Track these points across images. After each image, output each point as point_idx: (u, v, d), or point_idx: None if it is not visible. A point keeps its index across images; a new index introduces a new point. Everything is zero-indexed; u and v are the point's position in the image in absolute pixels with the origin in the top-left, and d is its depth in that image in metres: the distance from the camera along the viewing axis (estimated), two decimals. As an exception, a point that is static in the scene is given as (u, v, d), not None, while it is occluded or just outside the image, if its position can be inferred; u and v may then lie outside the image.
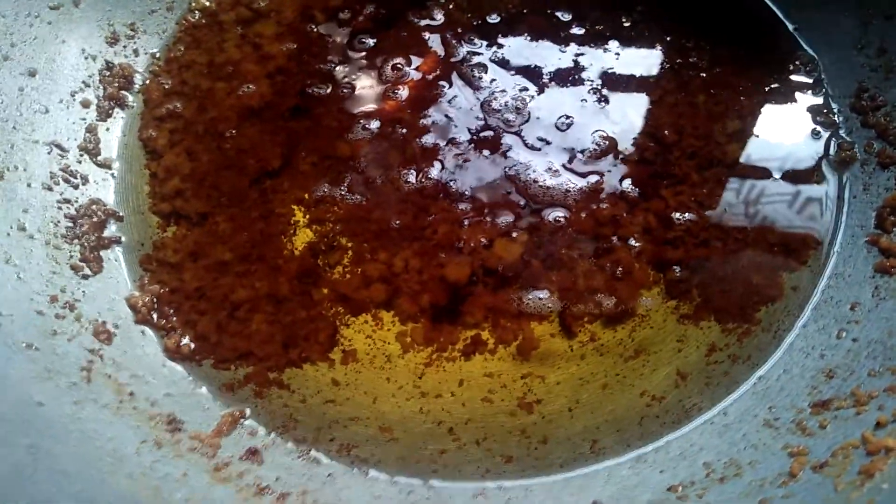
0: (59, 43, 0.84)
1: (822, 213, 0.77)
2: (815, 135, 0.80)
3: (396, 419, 0.73)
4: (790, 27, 0.85)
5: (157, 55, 0.90)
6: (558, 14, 0.88)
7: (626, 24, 0.87)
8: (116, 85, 0.87)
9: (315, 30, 0.91)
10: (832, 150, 0.80)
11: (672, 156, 0.81)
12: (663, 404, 0.72)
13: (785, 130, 0.81)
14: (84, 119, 0.85)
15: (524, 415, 0.73)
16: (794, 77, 0.83)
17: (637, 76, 0.85)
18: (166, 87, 0.89)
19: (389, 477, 0.70)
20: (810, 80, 0.83)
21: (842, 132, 0.80)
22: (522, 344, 0.76)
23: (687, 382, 0.72)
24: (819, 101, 0.82)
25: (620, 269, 0.77)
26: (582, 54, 0.86)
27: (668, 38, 0.86)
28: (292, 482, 0.67)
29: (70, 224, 0.78)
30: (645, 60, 0.86)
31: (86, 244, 0.78)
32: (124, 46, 0.89)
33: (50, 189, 0.79)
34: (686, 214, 0.78)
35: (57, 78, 0.83)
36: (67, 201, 0.79)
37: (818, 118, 0.81)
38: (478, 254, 0.79)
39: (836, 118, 0.80)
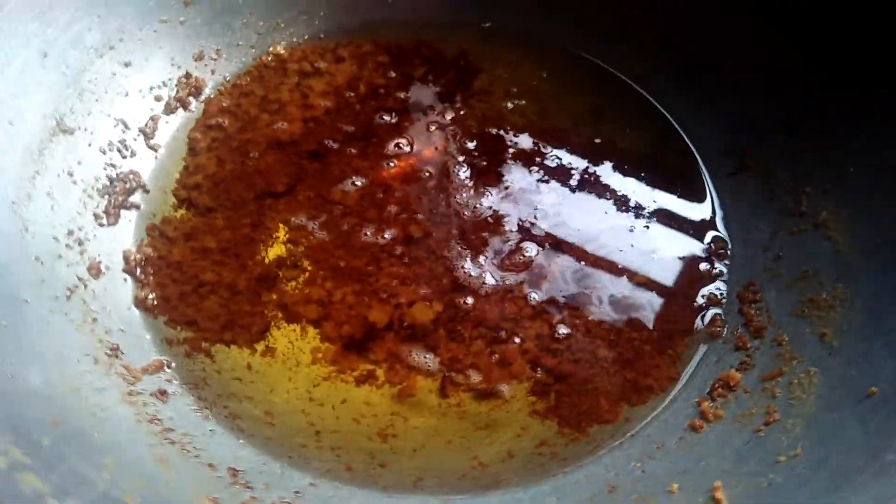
0: (156, 48, 1.07)
1: (675, 369, 0.90)
2: (699, 305, 0.94)
3: (280, 410, 0.90)
4: (719, 215, 1.00)
5: (228, 78, 1.13)
6: (545, 151, 1.06)
7: (587, 176, 1.04)
8: (187, 91, 1.10)
9: (353, 98, 1.12)
10: (706, 321, 0.93)
11: (581, 284, 0.96)
12: (484, 471, 0.86)
13: (678, 292, 0.95)
14: (152, 109, 1.07)
15: (378, 442, 0.89)
16: (704, 252, 0.98)
17: (578, 215, 1.02)
18: (224, 104, 1.11)
19: (254, 450, 0.86)
20: (717, 259, 0.97)
21: (720, 311, 0.93)
22: (403, 389, 0.91)
23: (511, 461, 0.86)
24: (714, 280, 0.96)
25: (504, 358, 0.92)
26: (545, 183, 1.04)
27: (615, 196, 1.03)
28: (180, 424, 0.85)
29: (108, 183, 1.00)
30: (591, 208, 1.03)
31: (112, 201, 0.99)
32: (205, 65, 1.12)
33: (104, 153, 1.01)
34: (573, 335, 0.92)
35: (144, 73, 1.06)
36: (113, 165, 1.01)
37: (708, 291, 0.95)
38: (399, 309, 0.96)
39: (721, 299, 0.94)
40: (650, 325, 0.93)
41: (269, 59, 1.15)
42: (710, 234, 1.00)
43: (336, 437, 0.89)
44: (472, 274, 0.97)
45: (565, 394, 0.91)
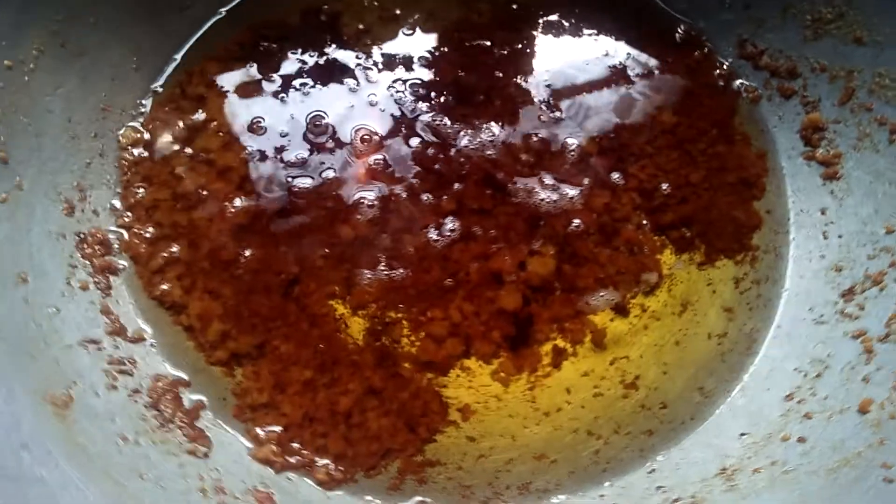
0: (26, 234, 0.76)
1: (756, 146, 0.96)
2: (722, 87, 0.98)
3: (541, 444, 0.82)
4: (662, 5, 1.01)
5: (118, 207, 0.85)
6: (481, 44, 0.96)
7: (529, 41, 0.97)
8: (98, 253, 0.81)
9: (259, 129, 0.90)
10: (743, 95, 0.98)
11: (623, 138, 0.94)
12: (729, 338, 0.88)
13: (695, 88, 0.97)
14: (92, 303, 0.79)
15: (633, 392, 0.86)
16: (685, 46, 0.99)
17: (578, 78, 0.96)
18: (146, 236, 0.84)
19: (576, 489, 0.79)
20: (697, 43, 0.99)
21: (741, 80, 0.98)
22: (593, 337, 0.87)
23: (735, 314, 0.89)
24: (712, 58, 0.99)
25: (633, 246, 0.91)
26: (512, 70, 0.95)
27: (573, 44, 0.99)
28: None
29: (155, 412, 0.74)
30: (579, 62, 0.97)
31: (180, 424, 0.75)
32: (82, 211, 0.82)
33: (115, 388, 0.74)
34: (662, 182, 0.92)
35: (46, 272, 0.77)
36: (136, 391, 0.75)
37: (717, 72, 0.98)
38: (519, 278, 0.88)
39: (731, 68, 0.98)
40: (707, 128, 0.96)
41: (132, 154, 0.87)
42: (671, 26, 1.01)
43: (606, 421, 0.84)
44: (549, 198, 0.90)
45: (703, 232, 0.91)
